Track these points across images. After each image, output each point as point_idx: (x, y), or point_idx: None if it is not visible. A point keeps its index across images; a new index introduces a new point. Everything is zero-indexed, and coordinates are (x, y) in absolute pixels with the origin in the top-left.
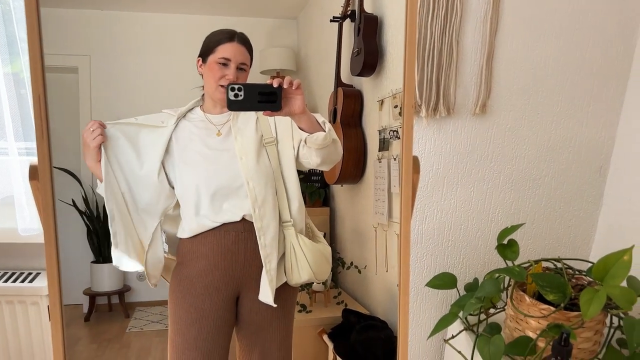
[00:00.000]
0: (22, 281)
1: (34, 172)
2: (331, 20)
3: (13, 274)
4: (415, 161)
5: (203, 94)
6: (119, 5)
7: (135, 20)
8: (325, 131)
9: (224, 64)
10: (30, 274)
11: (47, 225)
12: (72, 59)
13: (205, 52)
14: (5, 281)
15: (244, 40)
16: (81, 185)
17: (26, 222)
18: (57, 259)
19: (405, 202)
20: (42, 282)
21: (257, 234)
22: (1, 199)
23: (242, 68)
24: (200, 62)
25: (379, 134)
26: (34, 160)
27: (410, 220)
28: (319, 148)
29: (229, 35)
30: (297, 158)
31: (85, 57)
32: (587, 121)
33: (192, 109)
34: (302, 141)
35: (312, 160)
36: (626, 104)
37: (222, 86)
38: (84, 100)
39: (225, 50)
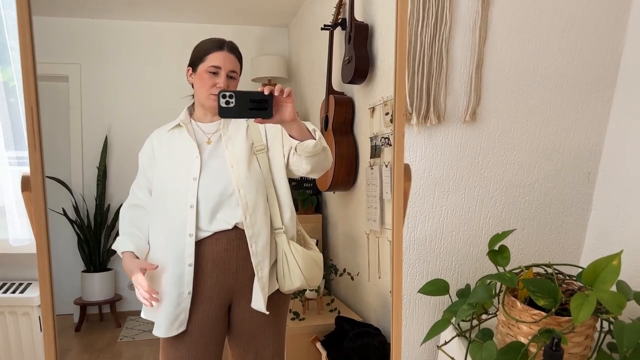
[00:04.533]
0: (13, 292)
1: (26, 183)
2: (322, 29)
3: (4, 284)
4: (407, 169)
5: (193, 103)
6: (109, 14)
7: (125, 28)
8: (315, 139)
9: (215, 73)
10: (21, 284)
11: (39, 237)
12: (63, 67)
13: (195, 61)
14: None
15: (233, 49)
16: (71, 194)
17: (17, 233)
18: (49, 270)
19: (397, 209)
20: (33, 293)
21: (248, 242)
22: None
23: (232, 76)
24: (190, 71)
25: (371, 141)
26: (26, 170)
27: (403, 227)
28: (309, 156)
29: (219, 44)
30: (287, 165)
31: (75, 65)
32: (575, 128)
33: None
34: (292, 149)
35: (302, 168)
36: (613, 111)
37: (213, 95)
38: (74, 108)
39: (215, 58)
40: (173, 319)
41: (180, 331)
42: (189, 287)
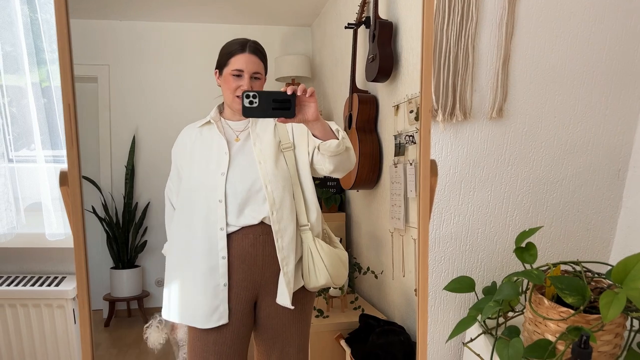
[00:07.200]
0: (49, 285)
1: (64, 178)
2: (346, 27)
3: (40, 277)
4: (433, 164)
5: (223, 102)
6: (136, 15)
7: (152, 30)
8: (338, 139)
9: (238, 75)
10: (56, 277)
11: (76, 230)
12: (92, 68)
13: (220, 65)
14: (33, 285)
15: (256, 50)
16: (101, 193)
17: (53, 228)
18: (85, 261)
19: (424, 205)
20: (67, 286)
21: (274, 236)
22: (29, 205)
23: (256, 77)
24: (217, 74)
25: (395, 139)
26: (64, 167)
27: (429, 224)
28: (331, 155)
29: (241, 46)
30: (311, 164)
31: (104, 66)
32: (604, 124)
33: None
34: (316, 148)
35: (325, 167)
36: None
37: (238, 97)
38: (103, 108)
39: (238, 61)
40: (211, 310)
41: (220, 323)
42: (224, 279)
